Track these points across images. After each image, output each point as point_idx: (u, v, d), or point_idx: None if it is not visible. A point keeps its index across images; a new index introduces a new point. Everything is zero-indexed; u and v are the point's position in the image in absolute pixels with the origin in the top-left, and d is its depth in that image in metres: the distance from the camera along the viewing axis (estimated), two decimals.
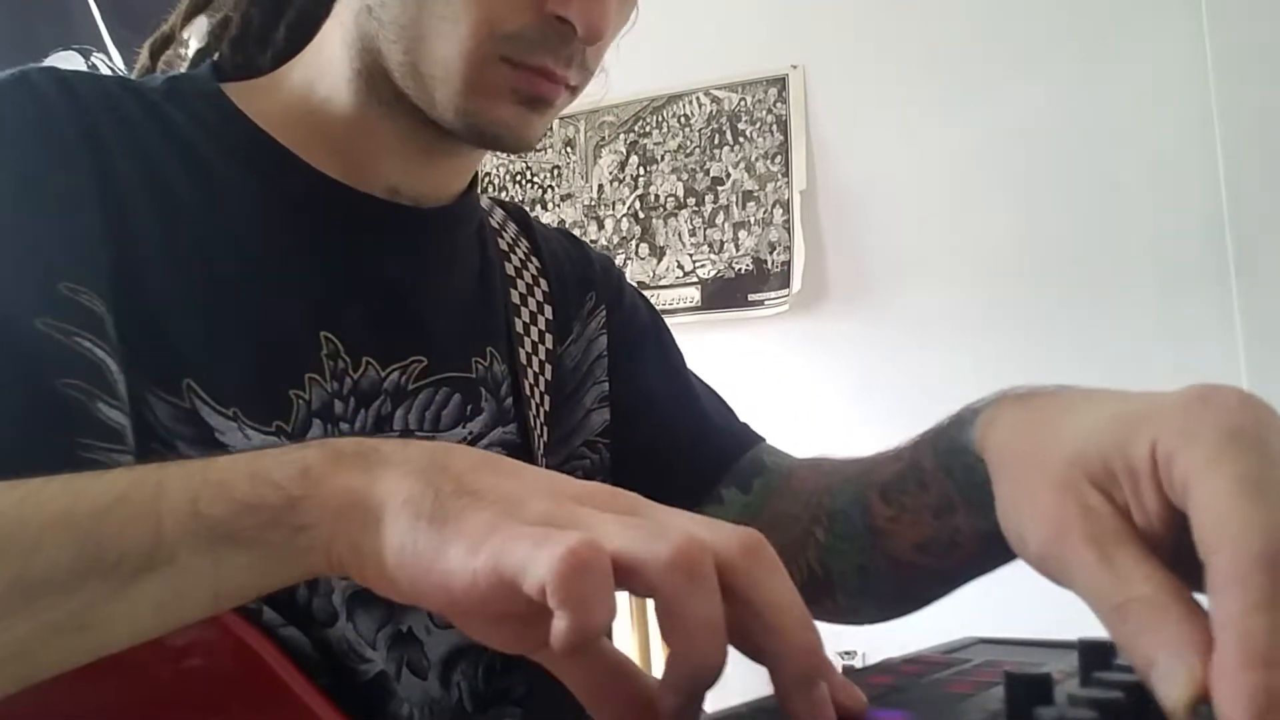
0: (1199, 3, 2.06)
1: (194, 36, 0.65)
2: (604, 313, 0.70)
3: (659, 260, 2.54)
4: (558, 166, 2.69)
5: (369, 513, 0.31)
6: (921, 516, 0.31)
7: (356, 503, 0.31)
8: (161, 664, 0.40)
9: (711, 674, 0.28)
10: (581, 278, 0.71)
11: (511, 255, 0.67)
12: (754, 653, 0.29)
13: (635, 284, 0.80)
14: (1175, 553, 0.28)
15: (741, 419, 0.72)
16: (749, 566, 0.28)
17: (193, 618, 0.32)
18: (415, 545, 0.30)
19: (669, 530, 0.28)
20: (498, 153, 0.58)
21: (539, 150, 2.71)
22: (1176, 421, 0.28)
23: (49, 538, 0.31)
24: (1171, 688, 0.25)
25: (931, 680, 0.37)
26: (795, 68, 2.45)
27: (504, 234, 0.69)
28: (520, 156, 2.73)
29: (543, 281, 0.68)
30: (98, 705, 0.40)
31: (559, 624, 0.27)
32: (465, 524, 0.29)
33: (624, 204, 2.60)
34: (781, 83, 2.46)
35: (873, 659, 0.38)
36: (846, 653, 1.88)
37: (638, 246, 2.57)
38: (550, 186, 2.70)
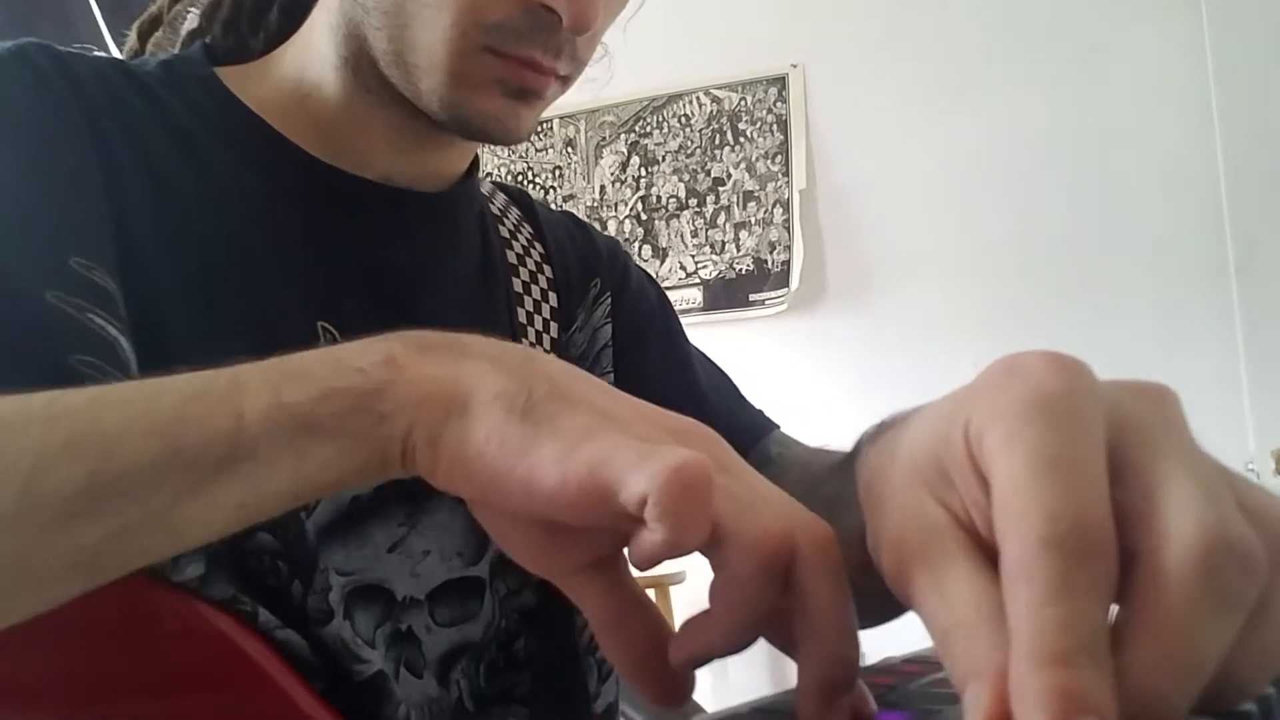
0: (1199, 3, 2.06)
1: (191, 18, 0.64)
2: (609, 300, 0.68)
3: (661, 262, 2.54)
4: (559, 167, 2.69)
5: (454, 401, 0.29)
6: (851, 541, 0.30)
7: (442, 391, 0.30)
8: (155, 669, 0.40)
9: (729, 651, 0.28)
10: (586, 264, 0.69)
11: (513, 242, 0.66)
12: (787, 645, 0.29)
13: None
14: None
15: (753, 406, 0.70)
16: (815, 563, 0.28)
17: (273, 512, 0.31)
18: (504, 439, 0.28)
19: (760, 506, 0.28)
20: (489, 145, 0.57)
21: (540, 150, 2.71)
22: (984, 400, 0.26)
23: (126, 434, 0.29)
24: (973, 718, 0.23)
25: (932, 680, 0.37)
26: (795, 67, 2.45)
27: (506, 220, 0.67)
28: (522, 156, 2.73)
29: (546, 268, 0.66)
30: (88, 706, 0.40)
31: (652, 536, 0.26)
32: (561, 425, 0.28)
33: (626, 205, 2.60)
34: (781, 83, 2.46)
35: (873, 659, 0.38)
36: None
37: (640, 248, 2.57)
38: (553, 187, 2.70)
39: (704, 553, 0.28)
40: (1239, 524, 0.23)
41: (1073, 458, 0.23)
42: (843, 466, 0.48)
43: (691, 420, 0.31)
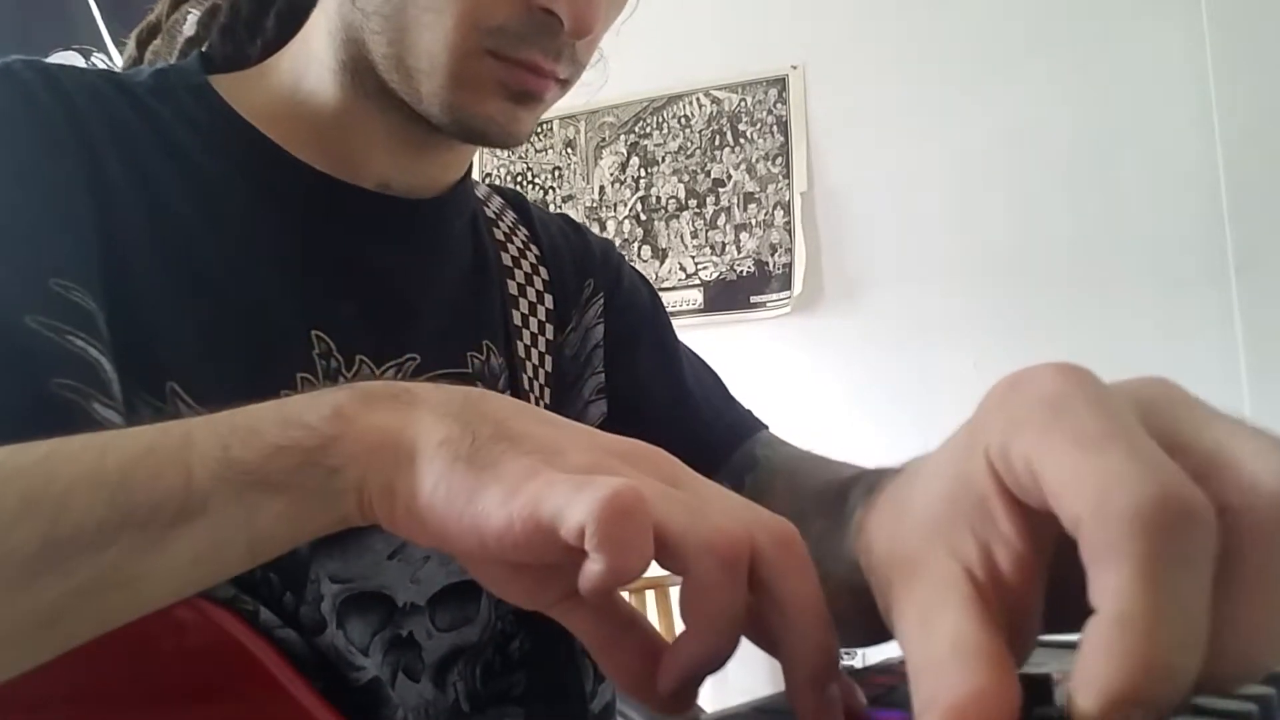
0: (1199, 3, 2.06)
1: (189, 25, 0.64)
2: (601, 301, 0.69)
3: (661, 262, 2.54)
4: (559, 167, 2.69)
5: (401, 451, 0.30)
6: (832, 591, 0.29)
7: (390, 442, 0.30)
8: (156, 665, 0.40)
9: (719, 663, 0.28)
10: (580, 265, 0.69)
11: (509, 245, 0.66)
12: (769, 645, 0.29)
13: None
14: (1068, 566, 0.23)
15: (741, 405, 0.71)
16: (780, 559, 0.28)
17: (229, 571, 0.31)
18: (450, 487, 0.29)
19: (712, 510, 0.28)
20: (488, 148, 0.57)
21: (540, 151, 2.71)
22: (997, 419, 0.24)
23: (77, 493, 0.30)
24: None
25: None
26: (795, 68, 2.45)
27: (501, 222, 0.67)
28: (521, 156, 2.72)
29: (542, 270, 0.66)
30: (90, 700, 0.39)
31: (593, 567, 0.26)
32: (503, 469, 0.28)
33: (625, 206, 2.60)
34: (781, 83, 2.46)
35: (873, 659, 0.38)
36: (846, 652, 1.87)
37: (640, 248, 2.56)
38: (552, 188, 2.70)
39: (667, 566, 0.28)
40: None
41: (1122, 430, 0.22)
42: (833, 505, 0.47)
43: (638, 441, 0.32)
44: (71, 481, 0.30)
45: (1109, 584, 0.20)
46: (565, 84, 0.55)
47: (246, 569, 0.32)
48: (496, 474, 0.28)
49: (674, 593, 2.10)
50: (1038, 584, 0.25)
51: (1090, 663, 0.20)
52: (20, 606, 0.29)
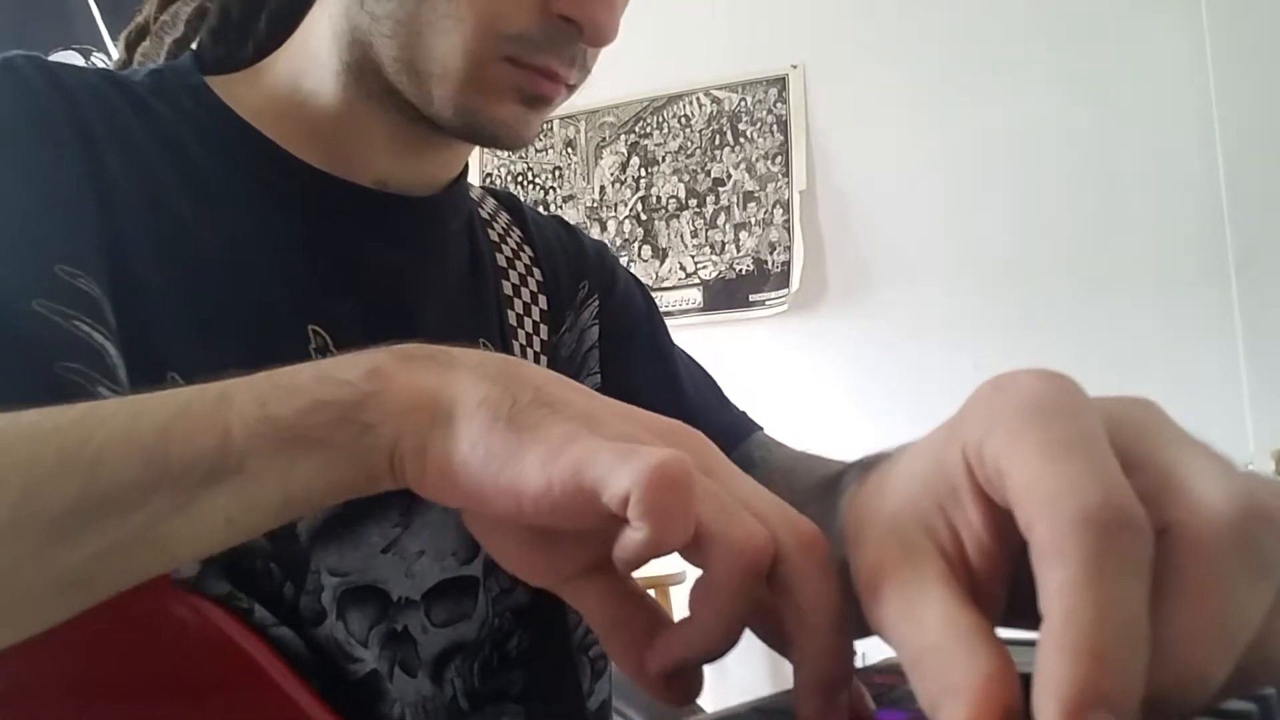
0: (1199, 3, 2.06)
1: (178, 27, 0.64)
2: (596, 302, 0.69)
3: (661, 262, 2.54)
4: (559, 168, 2.69)
5: (439, 410, 0.30)
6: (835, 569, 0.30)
7: (427, 400, 0.30)
8: (149, 662, 0.40)
9: (714, 657, 0.29)
10: (574, 266, 0.69)
11: (503, 246, 0.66)
12: (781, 646, 0.29)
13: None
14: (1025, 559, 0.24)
15: (736, 407, 0.71)
16: (802, 561, 0.28)
17: (261, 527, 0.31)
18: (489, 447, 0.29)
19: (741, 510, 0.28)
20: (492, 149, 0.57)
21: (540, 151, 2.71)
22: (977, 418, 0.26)
23: (111, 452, 0.29)
24: None
25: None
26: (795, 68, 2.45)
27: (495, 224, 0.67)
28: (522, 156, 2.73)
29: (536, 271, 0.67)
30: (90, 706, 0.40)
31: (635, 535, 0.26)
32: (545, 432, 0.28)
33: (626, 205, 2.60)
34: (781, 83, 2.46)
35: (874, 659, 0.38)
36: None
37: (640, 248, 2.57)
38: (552, 188, 2.70)
39: (686, 557, 0.28)
40: (1266, 492, 0.23)
41: (1084, 442, 0.23)
42: (827, 491, 0.47)
43: (677, 421, 0.32)
44: (107, 439, 0.30)
45: (1054, 581, 0.22)
46: (573, 88, 0.55)
47: (276, 525, 0.32)
48: (536, 436, 0.28)
49: (675, 592, 2.11)
50: (1001, 572, 0.26)
51: (1043, 659, 0.21)
52: (51, 563, 0.29)
